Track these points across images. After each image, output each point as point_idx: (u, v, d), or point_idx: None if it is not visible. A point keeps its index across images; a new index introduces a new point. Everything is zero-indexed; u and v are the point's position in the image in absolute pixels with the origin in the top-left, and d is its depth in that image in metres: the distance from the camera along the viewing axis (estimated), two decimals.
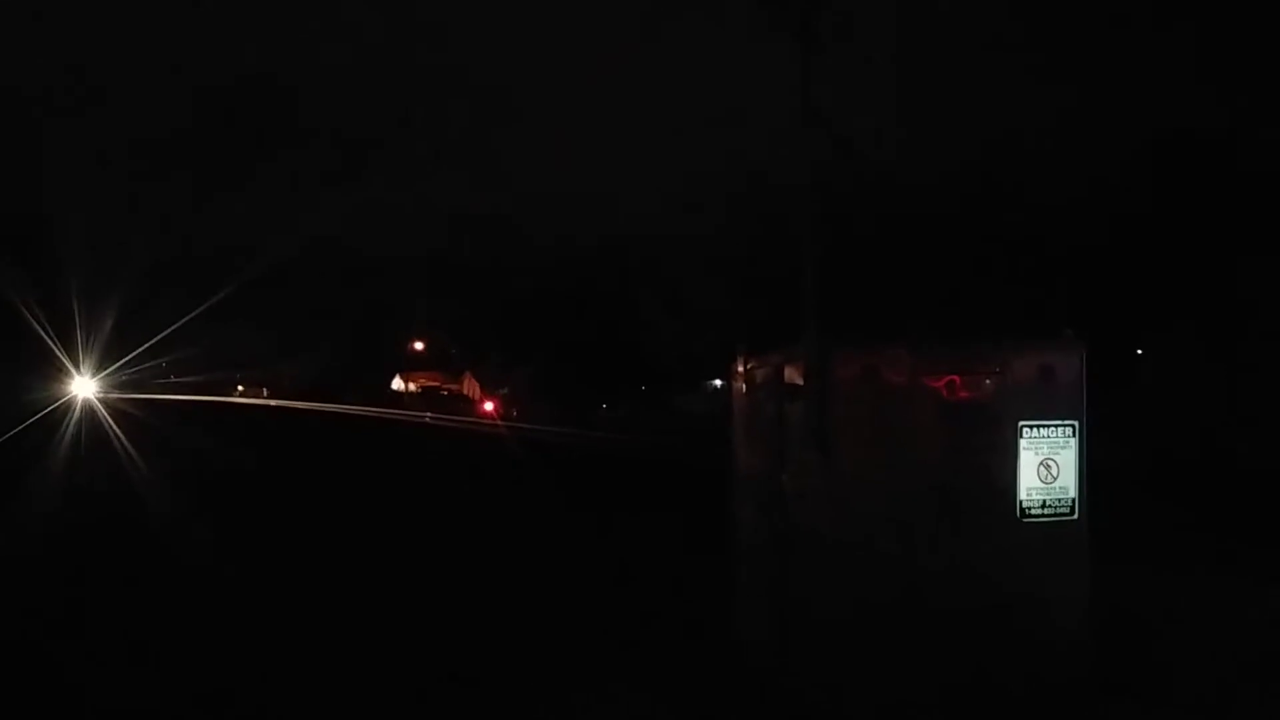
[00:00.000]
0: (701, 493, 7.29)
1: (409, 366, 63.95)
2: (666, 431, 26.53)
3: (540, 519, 11.55)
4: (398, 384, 63.18)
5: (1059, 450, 4.38)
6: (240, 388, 62.11)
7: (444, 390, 58.83)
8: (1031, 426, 4.37)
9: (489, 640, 6.28)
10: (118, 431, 25.41)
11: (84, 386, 44.24)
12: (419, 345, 63.49)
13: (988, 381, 4.38)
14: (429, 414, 43.00)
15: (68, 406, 35.69)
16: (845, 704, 4.34)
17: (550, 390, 45.85)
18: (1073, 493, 4.40)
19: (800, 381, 4.49)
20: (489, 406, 47.01)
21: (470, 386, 58.89)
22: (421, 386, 60.70)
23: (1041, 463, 4.37)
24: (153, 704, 5.23)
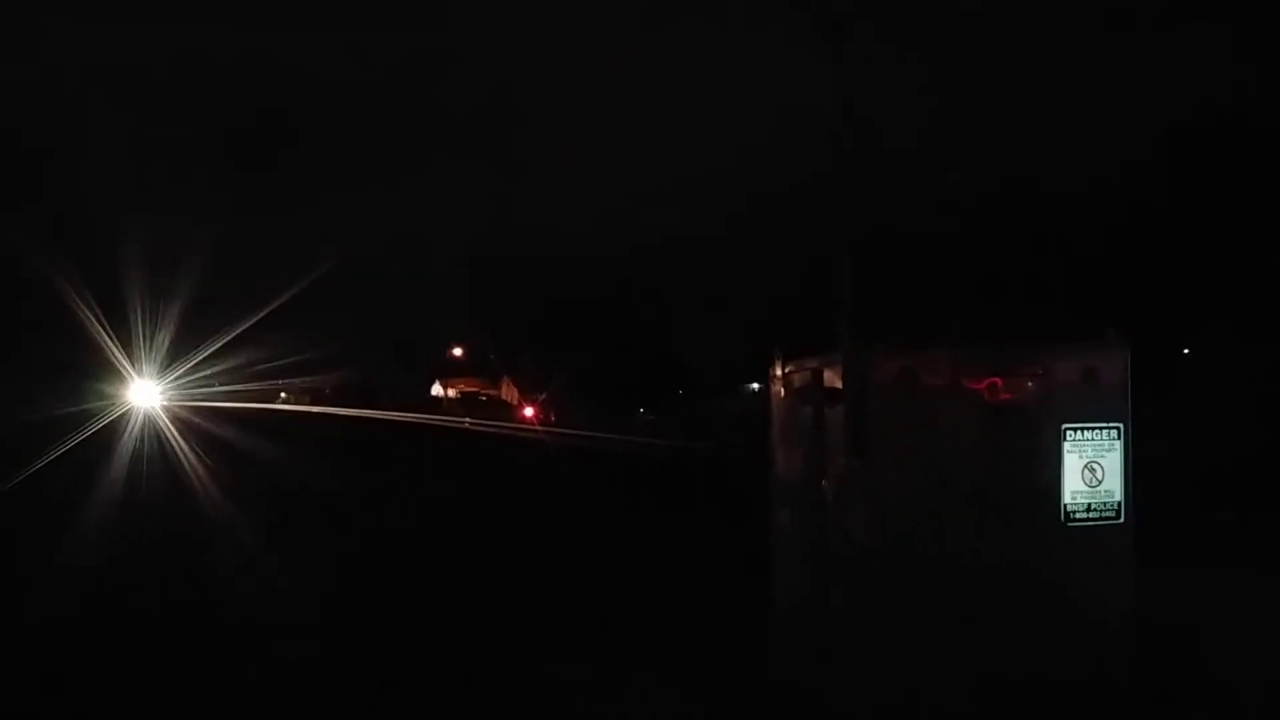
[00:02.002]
0: (742, 496, 7.25)
1: (448, 372, 64.36)
2: (703, 435, 26.30)
3: (583, 525, 11.55)
4: (437, 390, 63.60)
5: (1104, 453, 4.32)
6: (284, 394, 62.82)
7: (482, 395, 59.11)
8: (1075, 429, 4.31)
9: (517, 638, 6.31)
10: (184, 449, 21.65)
11: (144, 394, 40.57)
12: (458, 351, 63.85)
13: (1030, 383, 4.33)
14: (468, 419, 43.24)
15: (126, 417, 31.09)
16: (882, 708, 4.29)
17: (589, 395, 45.93)
18: (1118, 496, 4.33)
19: (839, 385, 4.45)
20: (529, 412, 47.17)
21: (509, 391, 59.13)
22: (460, 392, 61.02)
23: (1086, 465, 4.31)
24: None
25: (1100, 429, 4.32)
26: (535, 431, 36.10)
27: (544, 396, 50.41)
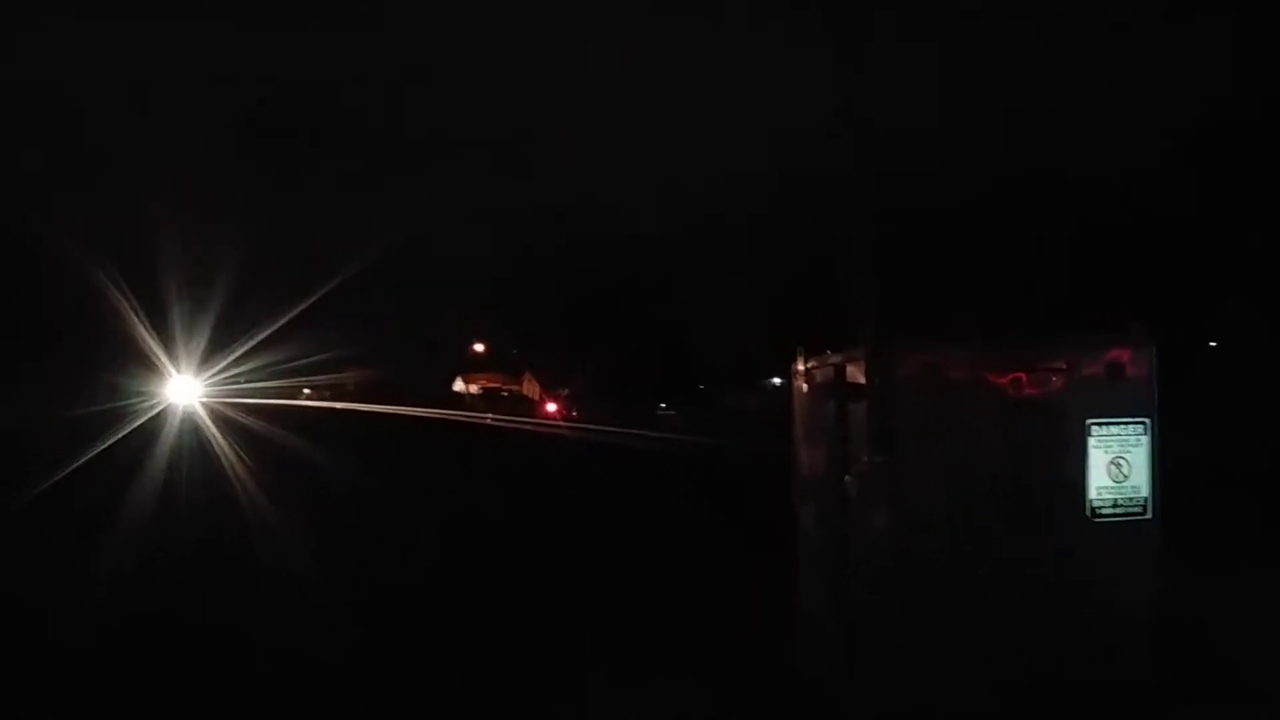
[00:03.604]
0: (766, 493, 7.23)
1: (469, 368, 64.57)
2: (727, 431, 26.13)
3: (612, 522, 11.53)
4: (459, 386, 63.83)
5: (1130, 448, 4.29)
6: (306, 391, 63.41)
7: (504, 391, 59.27)
8: (1101, 424, 4.28)
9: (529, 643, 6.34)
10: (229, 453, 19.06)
11: (183, 390, 37.84)
12: (479, 347, 64.06)
13: (1054, 378, 4.30)
14: (490, 415, 43.35)
15: (164, 417, 27.96)
16: (906, 707, 4.28)
17: (610, 391, 45.97)
18: (1145, 492, 4.30)
19: (862, 380, 4.44)
20: (551, 407, 47.28)
21: (530, 387, 59.29)
22: (482, 388, 61.21)
23: (1112, 461, 4.28)
24: None
25: (1126, 424, 4.30)
26: (559, 427, 36.16)
27: (566, 392, 50.50)
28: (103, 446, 17.98)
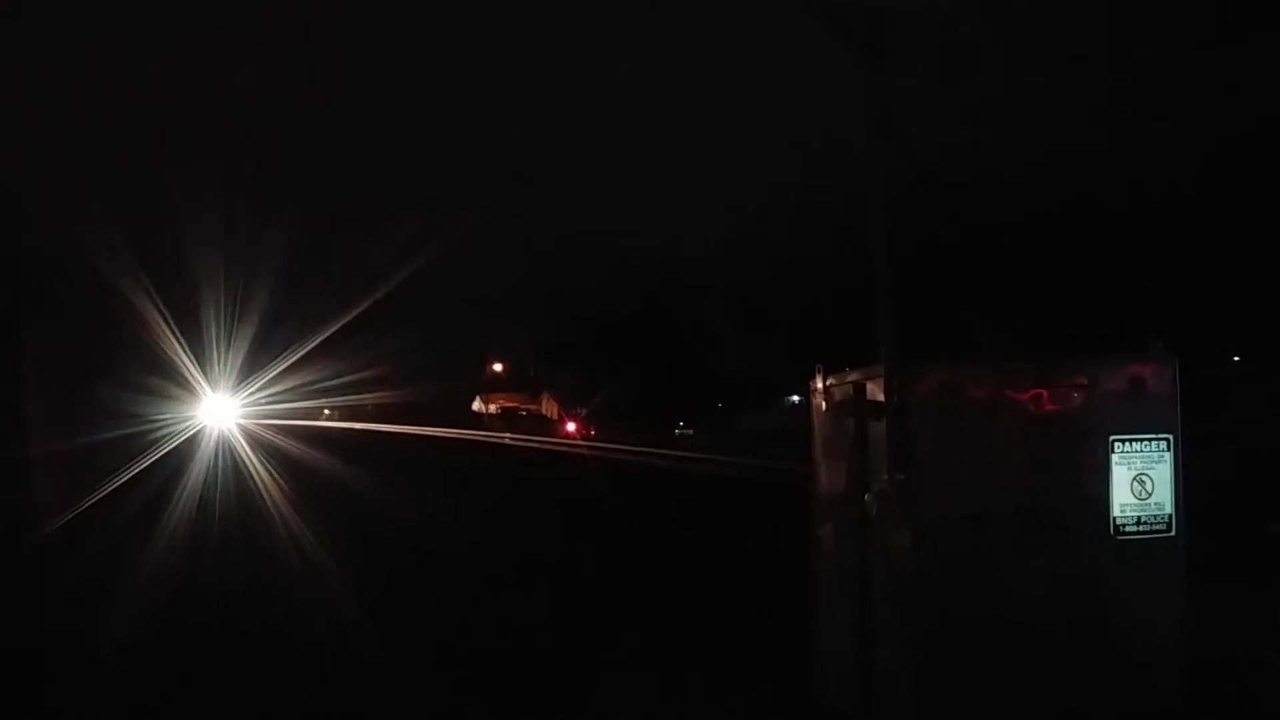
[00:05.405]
0: (783, 511, 7.19)
1: (488, 388, 64.71)
2: (750, 451, 25.99)
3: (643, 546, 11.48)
4: (477, 405, 63.93)
5: (1153, 465, 4.25)
6: (326, 411, 63.72)
7: (522, 411, 59.34)
8: (1124, 441, 4.24)
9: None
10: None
11: (218, 411, 35.75)
12: (498, 367, 64.20)
13: (1076, 395, 4.27)
14: (508, 434, 43.35)
15: (196, 441, 25.29)
16: None
17: (628, 410, 45.99)
18: (1169, 508, 4.26)
19: (881, 398, 4.42)
20: (571, 427, 47.30)
21: (549, 407, 59.38)
22: (501, 408, 61.31)
23: (1135, 478, 4.24)
24: None
25: (1149, 440, 4.26)
26: (577, 446, 36.13)
27: (585, 412, 50.53)
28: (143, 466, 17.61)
